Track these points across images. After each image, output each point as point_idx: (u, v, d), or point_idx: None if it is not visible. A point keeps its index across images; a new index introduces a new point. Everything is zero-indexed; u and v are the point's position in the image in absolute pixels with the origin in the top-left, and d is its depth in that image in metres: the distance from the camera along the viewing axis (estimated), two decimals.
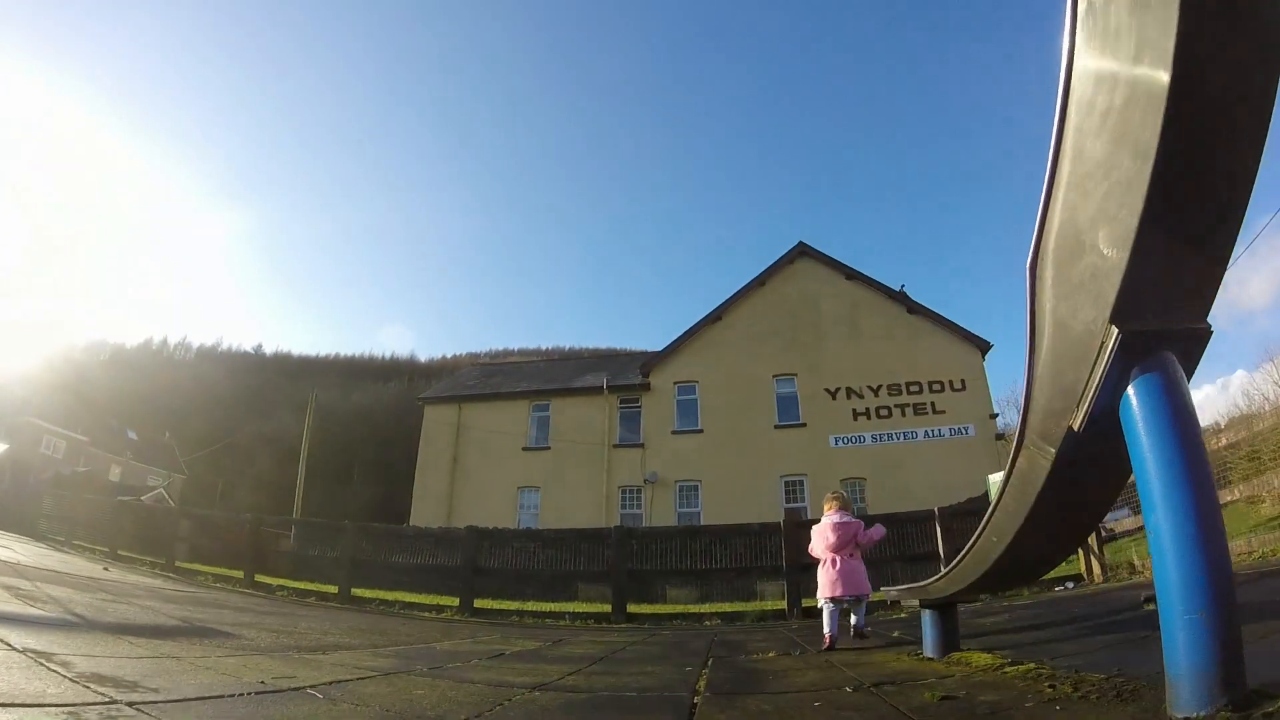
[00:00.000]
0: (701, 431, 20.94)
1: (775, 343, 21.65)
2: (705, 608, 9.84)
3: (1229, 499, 8.49)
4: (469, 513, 19.69)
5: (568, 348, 25.90)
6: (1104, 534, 9.19)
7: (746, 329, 21.85)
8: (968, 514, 9.35)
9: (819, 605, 4.98)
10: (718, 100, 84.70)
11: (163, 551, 13.62)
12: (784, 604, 8.89)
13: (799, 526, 9.05)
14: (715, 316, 22.05)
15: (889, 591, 4.72)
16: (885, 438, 21.49)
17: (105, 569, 10.25)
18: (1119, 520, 11.12)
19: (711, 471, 20.46)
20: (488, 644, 5.36)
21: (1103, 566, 8.47)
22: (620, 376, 21.87)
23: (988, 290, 75.40)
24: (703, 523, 17.99)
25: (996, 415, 24.43)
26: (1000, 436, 25.35)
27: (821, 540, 4.96)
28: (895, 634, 5.09)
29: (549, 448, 21.76)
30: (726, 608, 9.51)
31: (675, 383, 21.53)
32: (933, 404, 22.09)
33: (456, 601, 9.77)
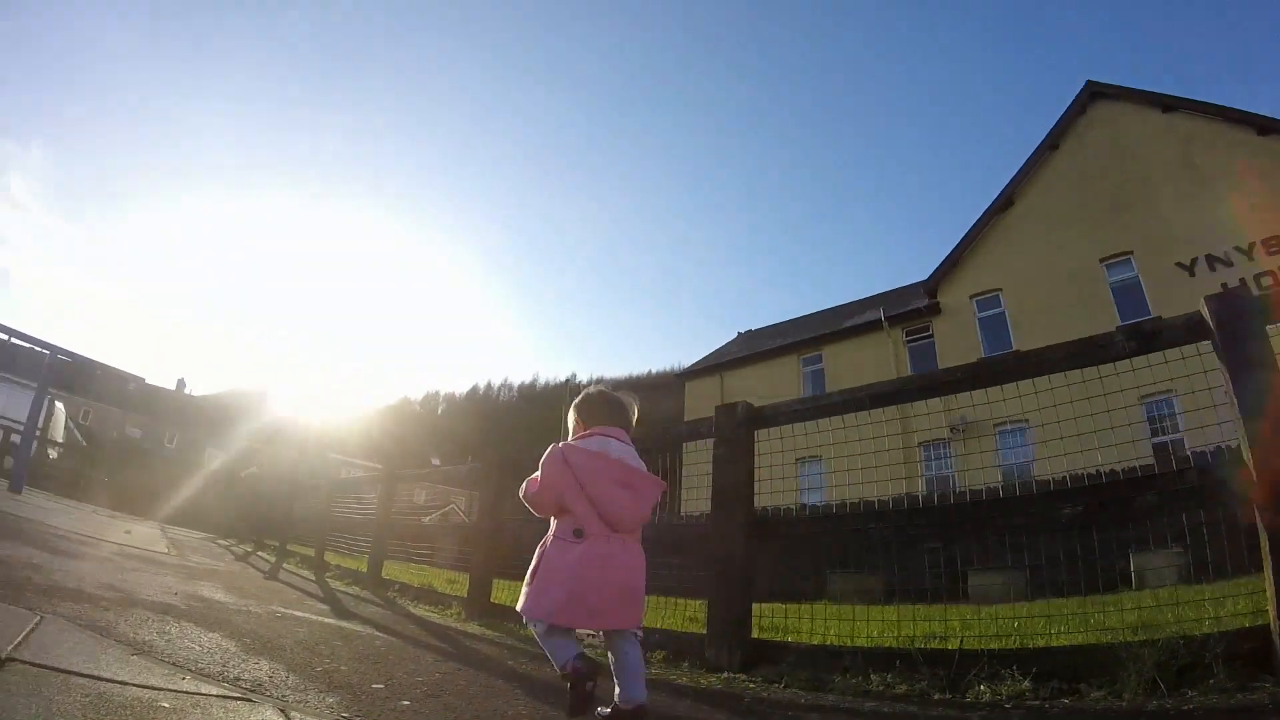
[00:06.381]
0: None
1: (1091, 218, 16.90)
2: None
3: None
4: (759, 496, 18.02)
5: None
6: None
7: (1047, 210, 17.10)
8: None
9: None
10: None
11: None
12: None
13: None
14: (1004, 203, 17.66)
15: None
16: None
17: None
18: None
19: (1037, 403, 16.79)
20: None
21: None
22: (897, 306, 18.79)
23: None
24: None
25: None
26: None
27: None
28: None
29: None
30: None
31: (972, 296, 17.64)
32: None
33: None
